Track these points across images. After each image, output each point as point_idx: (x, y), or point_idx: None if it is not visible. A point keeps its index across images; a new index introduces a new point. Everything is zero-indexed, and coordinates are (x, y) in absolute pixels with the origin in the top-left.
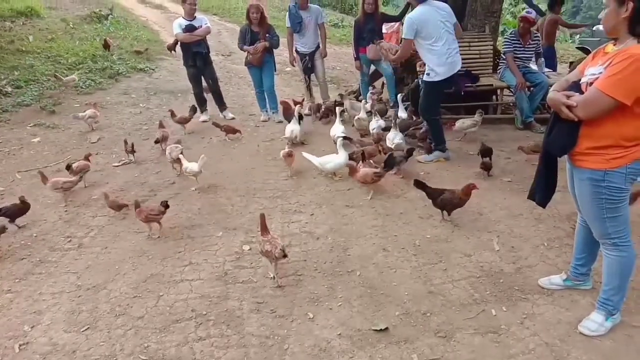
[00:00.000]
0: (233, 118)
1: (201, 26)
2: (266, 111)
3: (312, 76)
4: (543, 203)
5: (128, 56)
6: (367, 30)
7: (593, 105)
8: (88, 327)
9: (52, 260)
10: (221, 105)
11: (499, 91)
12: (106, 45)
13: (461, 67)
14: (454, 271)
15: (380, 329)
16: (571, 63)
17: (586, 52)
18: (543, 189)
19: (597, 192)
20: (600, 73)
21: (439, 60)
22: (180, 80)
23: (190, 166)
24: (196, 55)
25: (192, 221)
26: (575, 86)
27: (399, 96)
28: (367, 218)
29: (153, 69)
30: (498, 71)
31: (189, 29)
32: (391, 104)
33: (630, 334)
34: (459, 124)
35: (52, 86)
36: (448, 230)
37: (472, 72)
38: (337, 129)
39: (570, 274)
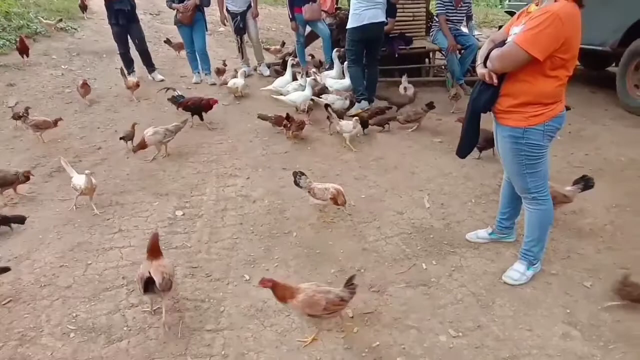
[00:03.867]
0: (162, 80)
1: None
2: (198, 72)
3: (246, 37)
4: (463, 154)
5: (47, 14)
6: None
7: (508, 58)
8: (10, 300)
9: None
10: (149, 66)
11: (431, 54)
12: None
13: (395, 30)
14: (387, 229)
15: None
16: (500, 27)
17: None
18: (466, 142)
19: (517, 148)
20: None
21: (351, 10)
22: (106, 40)
23: (77, 180)
24: (119, 13)
25: (121, 187)
26: (501, 46)
27: (334, 52)
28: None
29: (75, 29)
30: (430, 34)
31: None
32: (327, 66)
33: (548, 281)
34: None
35: None
36: (382, 190)
37: (406, 34)
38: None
39: (496, 228)
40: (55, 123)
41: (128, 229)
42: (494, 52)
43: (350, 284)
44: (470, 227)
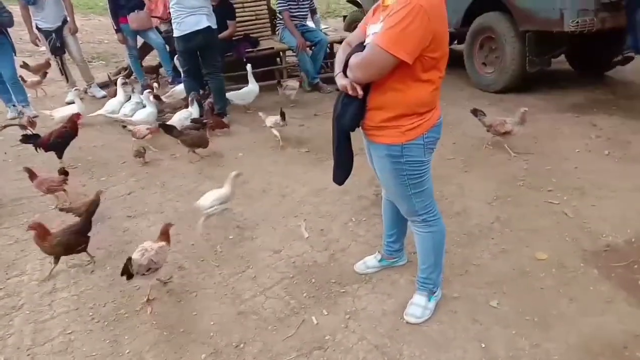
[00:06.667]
0: None
1: None
2: (14, 106)
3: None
4: (340, 181)
5: None
6: None
7: (371, 64)
8: None
9: None
10: None
11: (281, 53)
12: None
13: (238, 32)
14: (264, 277)
15: None
16: (344, 17)
17: (357, 4)
18: (340, 167)
19: (397, 168)
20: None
21: (172, 18)
22: None
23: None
24: None
25: None
26: (360, 49)
27: (119, 80)
28: (154, 229)
29: None
30: (277, 32)
31: None
32: (169, 79)
33: (453, 309)
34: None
35: None
36: (252, 224)
37: (251, 35)
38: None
39: (384, 253)
40: None
41: None
42: (353, 59)
43: None
44: (357, 255)
